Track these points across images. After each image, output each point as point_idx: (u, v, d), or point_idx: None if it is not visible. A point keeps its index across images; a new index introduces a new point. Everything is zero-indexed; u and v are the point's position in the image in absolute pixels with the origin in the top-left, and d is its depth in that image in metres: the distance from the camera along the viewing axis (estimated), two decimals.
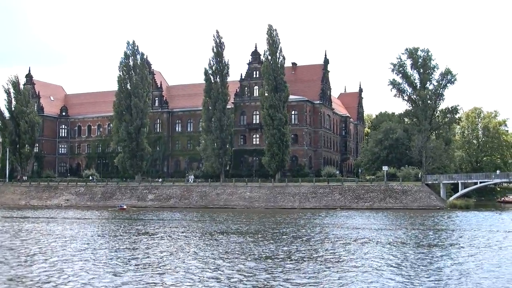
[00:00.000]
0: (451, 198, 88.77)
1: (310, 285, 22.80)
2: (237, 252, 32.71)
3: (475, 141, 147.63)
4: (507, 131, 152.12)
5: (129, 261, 29.31)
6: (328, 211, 79.45)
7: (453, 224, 55.61)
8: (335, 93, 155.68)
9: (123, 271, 26.32)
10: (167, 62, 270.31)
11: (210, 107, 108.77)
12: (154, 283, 23.34)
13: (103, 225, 56.23)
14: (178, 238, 41.60)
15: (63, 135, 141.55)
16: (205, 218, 65.74)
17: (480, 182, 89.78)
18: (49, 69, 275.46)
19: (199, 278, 24.37)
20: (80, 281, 23.61)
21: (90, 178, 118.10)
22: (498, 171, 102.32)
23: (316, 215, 70.12)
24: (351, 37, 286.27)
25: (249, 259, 29.83)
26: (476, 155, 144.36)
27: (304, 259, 30.07)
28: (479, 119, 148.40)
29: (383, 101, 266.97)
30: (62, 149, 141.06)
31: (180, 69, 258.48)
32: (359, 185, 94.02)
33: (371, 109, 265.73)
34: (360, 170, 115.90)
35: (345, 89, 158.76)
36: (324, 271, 26.33)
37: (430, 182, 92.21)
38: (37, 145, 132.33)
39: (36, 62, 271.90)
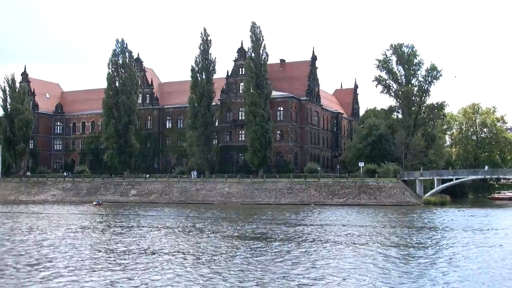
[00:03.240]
0: (426, 195, 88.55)
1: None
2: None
3: (474, 137, 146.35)
4: (506, 127, 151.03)
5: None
6: (301, 208, 79.81)
7: (408, 221, 55.51)
8: (330, 89, 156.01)
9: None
10: (161, 60, 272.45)
11: (195, 104, 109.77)
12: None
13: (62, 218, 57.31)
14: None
15: (58, 131, 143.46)
16: (168, 214, 66.62)
17: (456, 179, 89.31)
18: (57, 67, 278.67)
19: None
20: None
21: (65, 173, 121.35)
22: (486, 167, 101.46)
23: (283, 212, 70.47)
24: (346, 33, 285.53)
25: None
26: (474, 151, 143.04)
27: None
28: (477, 115, 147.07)
29: (379, 97, 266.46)
30: (58, 146, 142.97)
31: (173, 66, 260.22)
32: (335, 181, 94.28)
33: (368, 106, 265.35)
34: (338, 166, 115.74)
35: (341, 85, 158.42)
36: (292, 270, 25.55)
37: (406, 179, 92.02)
38: (32, 141, 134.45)
39: (43, 60, 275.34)
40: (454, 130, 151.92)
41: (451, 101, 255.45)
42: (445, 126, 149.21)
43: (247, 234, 39.43)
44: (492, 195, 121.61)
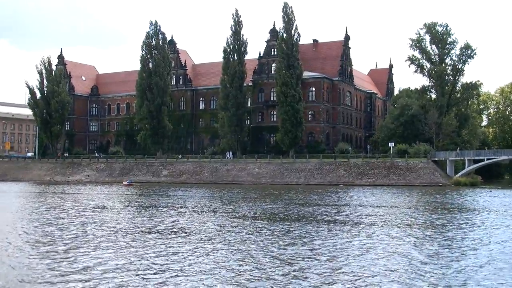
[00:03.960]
0: (456, 175, 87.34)
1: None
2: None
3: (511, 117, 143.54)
4: None
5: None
6: (329, 188, 79.66)
7: (431, 202, 54.91)
8: (365, 69, 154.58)
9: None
10: (195, 42, 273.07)
11: (227, 85, 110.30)
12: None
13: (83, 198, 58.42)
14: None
15: (94, 113, 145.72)
16: (196, 194, 67.25)
17: (487, 159, 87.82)
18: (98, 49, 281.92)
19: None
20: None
21: (97, 154, 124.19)
22: None
23: (308, 193, 70.51)
24: (381, 12, 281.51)
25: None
26: (511, 131, 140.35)
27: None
28: None
29: (414, 77, 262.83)
30: (93, 127, 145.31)
31: (207, 48, 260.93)
32: (364, 161, 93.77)
33: (404, 86, 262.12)
34: (368, 147, 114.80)
35: (376, 65, 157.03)
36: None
37: (437, 159, 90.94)
38: (68, 123, 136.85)
39: (80, 43, 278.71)
40: (491, 110, 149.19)
41: (489, 80, 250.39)
42: (481, 106, 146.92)
43: (260, 214, 39.56)
44: None
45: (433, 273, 19.15)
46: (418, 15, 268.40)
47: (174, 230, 30.24)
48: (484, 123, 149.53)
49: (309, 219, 36.07)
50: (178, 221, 34.81)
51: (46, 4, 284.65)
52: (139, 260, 21.20)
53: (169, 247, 24.38)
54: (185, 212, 41.16)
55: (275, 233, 29.13)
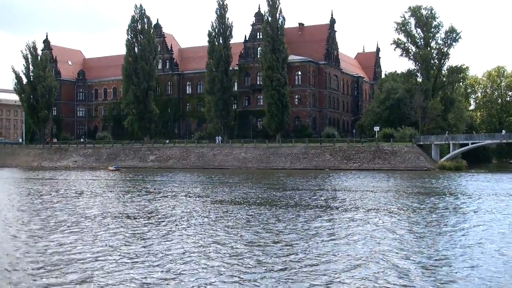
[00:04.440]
0: (441, 160, 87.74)
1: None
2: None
3: (499, 101, 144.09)
4: None
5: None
6: (314, 172, 79.92)
7: (413, 186, 55.22)
8: (352, 53, 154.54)
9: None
10: (182, 26, 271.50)
11: (213, 69, 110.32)
12: None
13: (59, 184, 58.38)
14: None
15: (81, 98, 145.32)
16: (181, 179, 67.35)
17: (472, 143, 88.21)
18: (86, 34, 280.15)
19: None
20: None
21: (81, 140, 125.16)
22: (503, 131, 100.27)
23: (293, 177, 70.66)
24: None
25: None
26: (499, 115, 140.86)
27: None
28: (502, 78, 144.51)
29: (401, 61, 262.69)
30: (80, 112, 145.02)
31: (194, 32, 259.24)
32: (350, 145, 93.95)
33: (391, 69, 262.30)
34: (354, 131, 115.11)
35: (363, 49, 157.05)
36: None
37: (422, 143, 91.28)
38: (55, 108, 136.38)
39: (67, 28, 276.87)
40: (478, 94, 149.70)
41: (476, 64, 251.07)
42: (469, 90, 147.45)
43: (233, 199, 39.70)
44: None
45: (397, 252, 19.29)
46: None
47: (143, 214, 30.29)
48: (472, 107, 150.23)
49: (281, 203, 36.19)
50: (147, 206, 34.86)
51: None
52: (98, 245, 21.20)
53: (131, 232, 24.41)
54: (158, 197, 41.15)
55: (243, 217, 29.26)
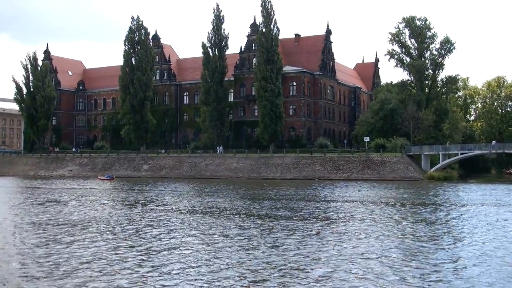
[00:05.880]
0: (430, 170, 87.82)
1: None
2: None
3: (499, 111, 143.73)
4: None
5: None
6: (303, 182, 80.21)
7: (395, 197, 55.34)
8: (352, 64, 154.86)
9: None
10: (180, 37, 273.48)
11: (208, 79, 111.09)
12: None
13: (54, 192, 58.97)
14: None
15: (80, 108, 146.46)
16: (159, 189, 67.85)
17: (461, 154, 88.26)
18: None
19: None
20: None
21: (73, 149, 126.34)
22: (494, 142, 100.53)
23: (280, 187, 70.96)
24: (367, 6, 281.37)
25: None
26: (498, 126, 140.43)
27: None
28: (502, 89, 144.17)
29: (398, 71, 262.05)
30: (80, 122, 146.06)
31: (193, 43, 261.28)
32: (340, 156, 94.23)
33: (390, 80, 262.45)
34: (345, 141, 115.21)
35: (362, 60, 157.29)
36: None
37: (412, 153, 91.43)
38: (54, 118, 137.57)
39: (68, 38, 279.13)
40: (478, 104, 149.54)
41: (476, 74, 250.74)
42: (469, 100, 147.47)
43: (216, 209, 40.06)
44: (510, 170, 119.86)
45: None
46: (405, 8, 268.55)
47: (108, 224, 30.69)
48: (472, 117, 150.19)
49: (258, 214, 36.46)
50: (120, 215, 35.33)
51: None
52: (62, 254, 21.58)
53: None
54: (137, 206, 41.63)
55: (215, 226, 29.66)
